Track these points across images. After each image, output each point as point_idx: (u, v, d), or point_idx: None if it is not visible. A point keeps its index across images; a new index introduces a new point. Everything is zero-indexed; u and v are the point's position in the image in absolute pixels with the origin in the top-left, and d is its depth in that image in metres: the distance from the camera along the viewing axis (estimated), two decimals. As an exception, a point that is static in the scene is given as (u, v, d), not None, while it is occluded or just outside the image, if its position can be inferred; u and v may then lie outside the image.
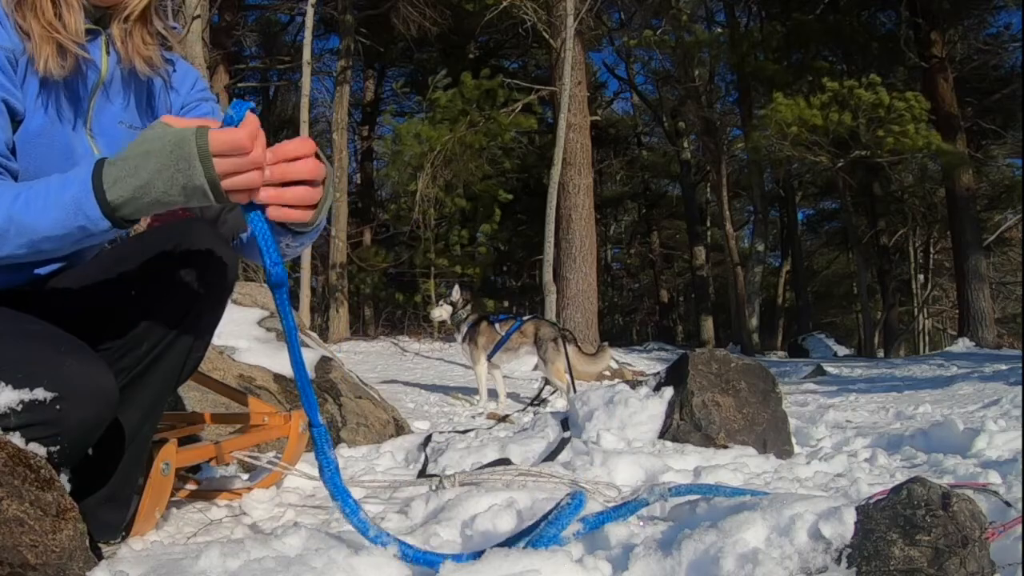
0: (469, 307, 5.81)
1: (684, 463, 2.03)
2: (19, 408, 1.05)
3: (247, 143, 0.96)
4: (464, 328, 5.69)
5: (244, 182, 0.98)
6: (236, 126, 0.97)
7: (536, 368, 6.23)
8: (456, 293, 5.83)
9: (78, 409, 1.10)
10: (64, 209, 1.01)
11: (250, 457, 1.78)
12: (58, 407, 1.07)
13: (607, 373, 6.86)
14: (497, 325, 5.68)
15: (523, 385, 6.90)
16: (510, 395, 5.85)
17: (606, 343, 7.17)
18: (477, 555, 1.07)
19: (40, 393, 1.06)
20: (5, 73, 1.18)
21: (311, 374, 2.95)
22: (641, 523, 1.31)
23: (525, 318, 5.86)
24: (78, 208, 1.01)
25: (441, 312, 5.82)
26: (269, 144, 1.02)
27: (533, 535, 1.12)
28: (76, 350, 1.15)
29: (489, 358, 5.58)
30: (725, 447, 2.28)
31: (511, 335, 5.60)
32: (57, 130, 1.25)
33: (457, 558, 1.08)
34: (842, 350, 15.91)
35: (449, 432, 3.23)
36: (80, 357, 1.14)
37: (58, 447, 1.09)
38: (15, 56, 1.20)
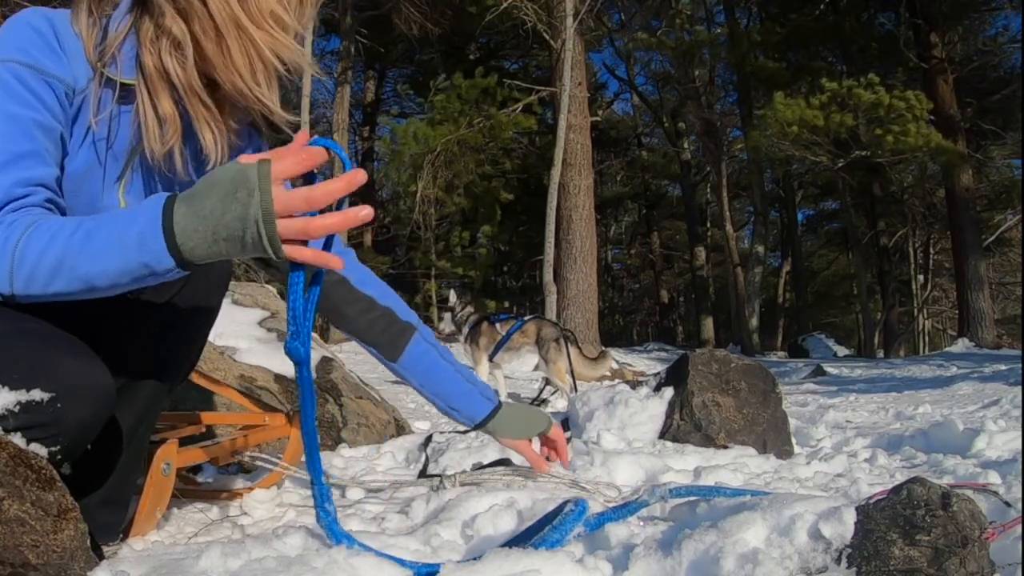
0: (470, 308, 5.82)
1: (684, 463, 2.03)
2: (17, 409, 1.04)
3: (308, 164, 0.93)
4: (466, 329, 5.70)
5: (301, 225, 0.93)
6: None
7: (537, 368, 6.24)
8: (452, 297, 5.87)
9: (76, 408, 1.08)
10: (127, 246, 0.96)
11: (251, 456, 1.78)
12: (56, 407, 1.06)
13: (607, 373, 6.86)
14: (498, 325, 5.69)
15: (524, 385, 6.90)
16: (511, 395, 5.85)
17: (608, 350, 7.18)
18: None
19: (37, 394, 1.04)
20: (64, 108, 1.12)
21: (312, 375, 2.95)
22: (641, 523, 1.31)
23: (527, 318, 5.87)
24: (142, 243, 0.95)
25: (445, 326, 5.86)
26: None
27: (535, 539, 1.12)
28: (73, 348, 1.14)
29: (491, 358, 5.59)
30: (725, 447, 2.28)
31: (512, 335, 5.61)
32: (88, 181, 1.17)
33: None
34: (842, 350, 15.93)
35: (450, 432, 3.22)
36: (77, 356, 1.12)
37: (58, 447, 1.09)
38: (73, 91, 1.12)
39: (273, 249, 0.93)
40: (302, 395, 1.15)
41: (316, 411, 1.13)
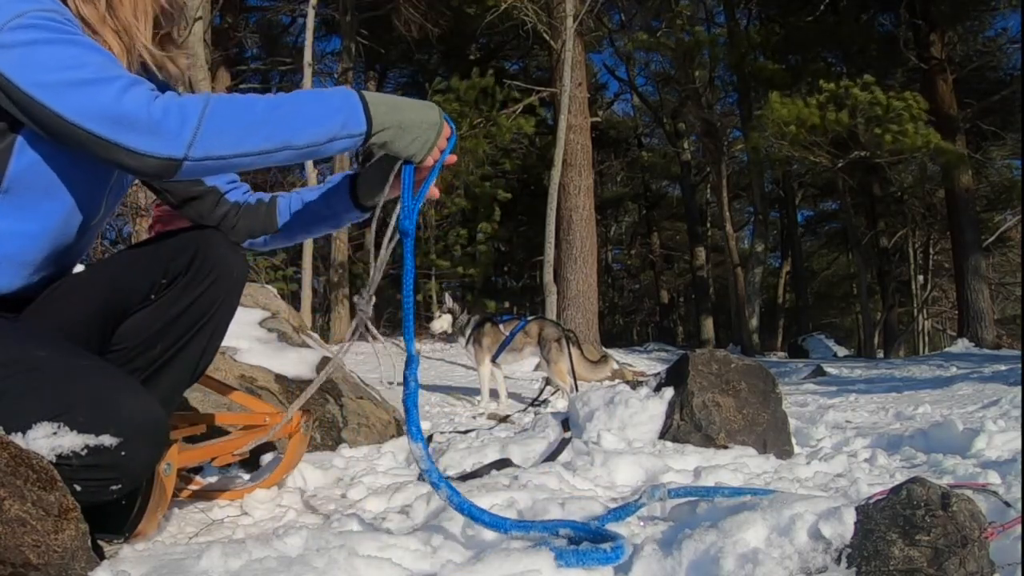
0: (466, 314, 5.83)
1: (684, 463, 2.03)
2: (84, 452, 1.05)
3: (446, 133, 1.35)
4: (468, 330, 5.70)
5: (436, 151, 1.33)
6: None
7: (538, 368, 6.23)
8: (450, 301, 5.86)
9: (142, 452, 1.11)
10: (331, 107, 1.18)
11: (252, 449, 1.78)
12: (122, 454, 1.07)
13: (608, 375, 6.87)
14: (501, 326, 5.69)
15: (524, 385, 6.90)
16: (511, 395, 5.85)
17: (610, 353, 7.18)
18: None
19: (107, 439, 1.06)
20: None
21: (312, 375, 2.95)
22: (641, 523, 1.31)
23: (530, 318, 5.88)
24: (346, 105, 1.18)
25: (442, 323, 5.83)
26: None
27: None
28: (129, 387, 1.15)
29: (494, 359, 5.59)
30: (725, 447, 2.28)
31: (515, 335, 5.61)
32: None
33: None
34: (842, 351, 15.94)
35: (450, 432, 3.24)
36: (135, 394, 1.14)
37: (119, 486, 1.11)
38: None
39: (428, 148, 1.30)
40: (405, 266, 1.41)
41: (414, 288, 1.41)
